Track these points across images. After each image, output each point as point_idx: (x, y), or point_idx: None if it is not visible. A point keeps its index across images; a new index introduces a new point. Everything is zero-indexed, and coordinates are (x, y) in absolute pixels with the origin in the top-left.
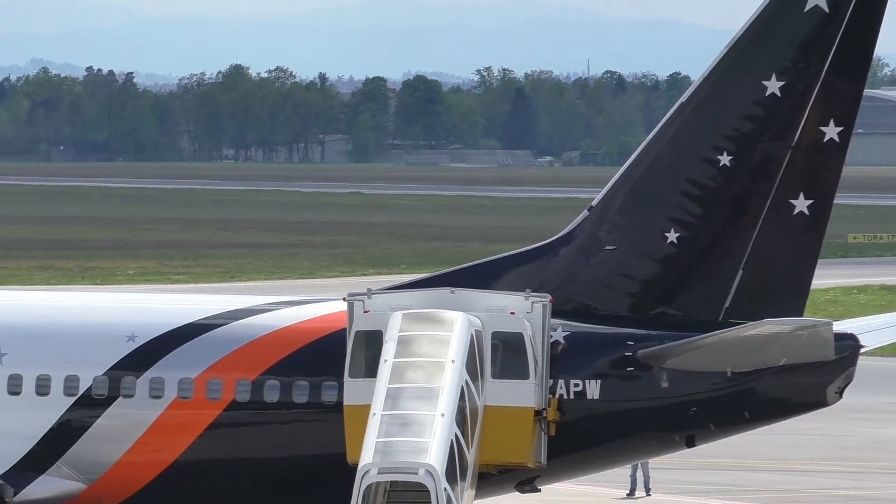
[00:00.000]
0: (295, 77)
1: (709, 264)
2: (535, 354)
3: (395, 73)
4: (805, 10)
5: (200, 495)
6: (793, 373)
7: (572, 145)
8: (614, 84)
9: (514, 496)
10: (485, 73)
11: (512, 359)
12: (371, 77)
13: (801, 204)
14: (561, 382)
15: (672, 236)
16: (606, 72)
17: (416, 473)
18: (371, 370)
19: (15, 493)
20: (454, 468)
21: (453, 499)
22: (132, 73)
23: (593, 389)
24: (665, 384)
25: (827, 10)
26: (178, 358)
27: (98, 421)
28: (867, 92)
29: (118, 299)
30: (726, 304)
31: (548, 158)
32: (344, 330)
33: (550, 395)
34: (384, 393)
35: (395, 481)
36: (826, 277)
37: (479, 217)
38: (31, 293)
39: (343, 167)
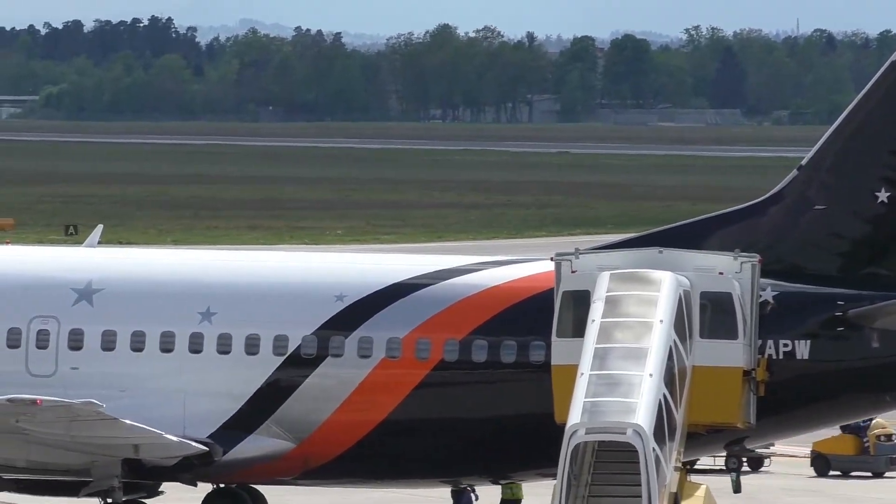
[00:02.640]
0: (503, 36)
1: None
2: (744, 314)
3: (603, 33)
4: None
5: (408, 455)
6: None
7: (781, 104)
8: (824, 42)
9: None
10: (693, 32)
11: (720, 319)
12: (579, 36)
13: None
14: (770, 342)
15: (883, 195)
16: (816, 30)
17: (625, 433)
18: (579, 330)
19: (224, 453)
20: (662, 428)
21: (661, 459)
22: (340, 33)
23: (803, 349)
24: (876, 344)
25: None
26: (387, 317)
27: (307, 380)
28: None
29: (327, 259)
30: None
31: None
32: (551, 290)
33: (759, 356)
34: (592, 353)
35: (603, 441)
36: None
37: (687, 177)
38: (240, 253)
39: (550, 127)
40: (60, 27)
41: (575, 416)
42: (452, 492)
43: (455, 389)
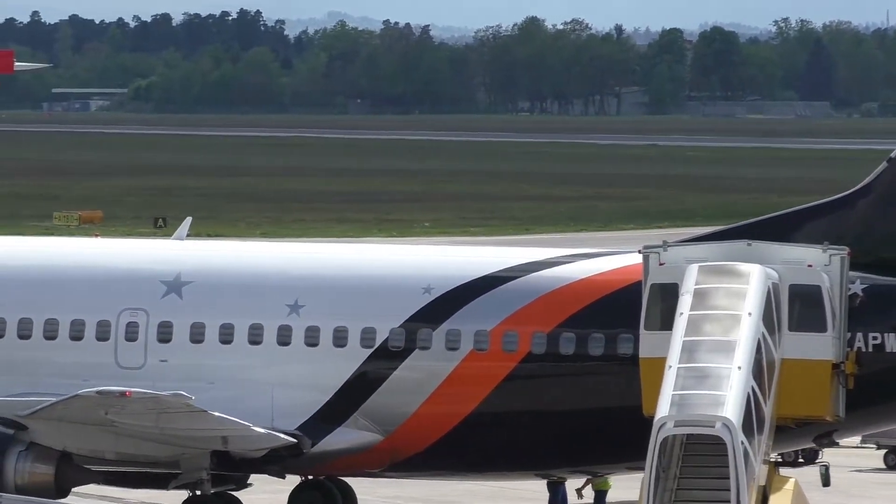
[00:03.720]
0: (591, 29)
1: None
2: (833, 307)
3: (692, 25)
4: None
5: (495, 447)
6: None
7: (870, 96)
8: None
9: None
10: (782, 25)
11: (809, 312)
12: (667, 28)
13: None
14: (859, 335)
15: None
16: None
17: (713, 427)
18: (667, 323)
19: (313, 445)
20: (751, 421)
21: (750, 452)
22: (428, 25)
23: (892, 342)
24: None
25: None
26: (474, 310)
27: (394, 373)
28: None
29: (414, 251)
30: None
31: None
32: (639, 282)
33: (848, 349)
34: (680, 346)
35: (692, 434)
36: None
37: (777, 169)
38: (328, 245)
39: (639, 119)
40: (149, 20)
41: (663, 409)
42: (548, 484)
43: (542, 382)
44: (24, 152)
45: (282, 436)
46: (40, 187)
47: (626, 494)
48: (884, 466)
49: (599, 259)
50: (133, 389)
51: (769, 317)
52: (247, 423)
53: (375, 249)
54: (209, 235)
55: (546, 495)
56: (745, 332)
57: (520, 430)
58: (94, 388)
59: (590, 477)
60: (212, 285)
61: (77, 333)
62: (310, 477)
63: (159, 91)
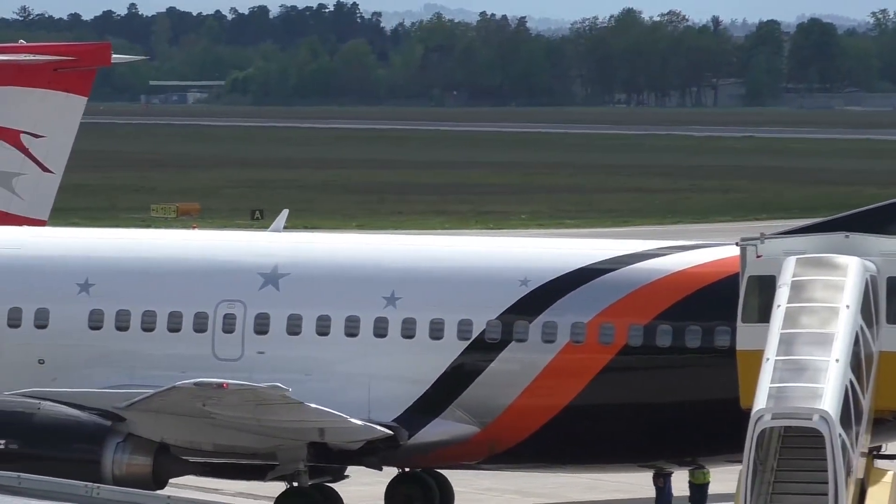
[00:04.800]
0: (687, 21)
1: None
2: None
3: (789, 17)
4: None
5: (591, 440)
6: None
7: None
8: None
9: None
10: (880, 16)
11: None
12: (764, 20)
13: None
14: None
15: None
16: None
17: (811, 419)
18: (764, 315)
19: (409, 437)
20: (849, 414)
21: (848, 445)
22: (525, 17)
23: None
24: None
25: None
26: (571, 302)
27: (491, 365)
28: None
29: (511, 244)
30: None
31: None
32: (736, 275)
33: None
34: (777, 338)
35: (789, 427)
36: None
37: (875, 161)
38: (424, 237)
39: (736, 111)
40: (246, 13)
41: (761, 402)
42: (655, 478)
43: (639, 374)
44: (122, 145)
45: (378, 428)
46: (138, 179)
47: (724, 487)
48: None
49: (696, 251)
50: (230, 381)
51: (867, 309)
52: (344, 415)
53: (472, 241)
54: (306, 227)
55: (643, 488)
56: (843, 324)
57: (616, 423)
58: (192, 380)
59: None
60: (309, 277)
61: (175, 325)
62: (406, 469)
63: (256, 83)
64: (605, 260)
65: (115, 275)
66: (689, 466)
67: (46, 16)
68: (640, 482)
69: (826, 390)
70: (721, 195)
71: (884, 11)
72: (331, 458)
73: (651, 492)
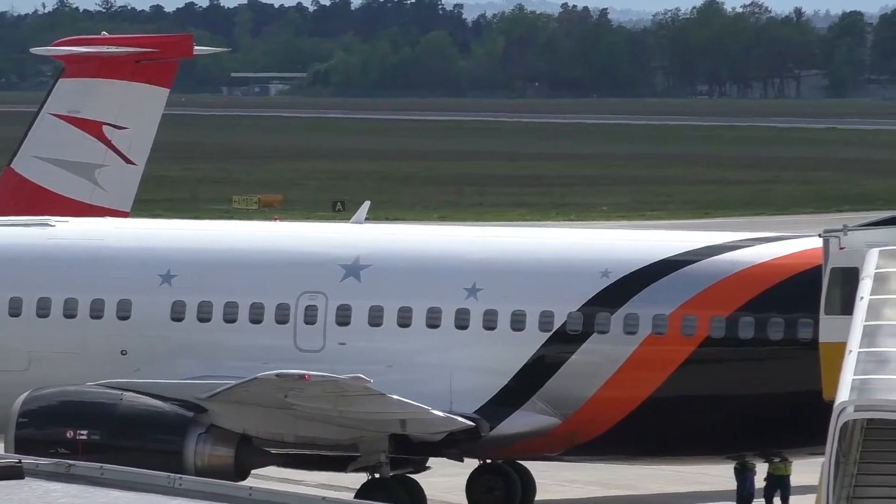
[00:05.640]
0: (770, 12)
1: None
2: None
3: (872, 7)
4: None
5: (673, 432)
6: None
7: None
8: None
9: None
10: None
11: None
12: (847, 11)
13: None
14: None
15: None
16: None
17: (895, 411)
18: (847, 307)
19: (491, 428)
20: None
21: None
22: (606, 9)
23: None
24: None
25: None
26: (653, 294)
27: (572, 357)
28: None
29: (592, 235)
30: None
31: None
32: (819, 266)
33: None
34: (861, 330)
35: (872, 419)
36: None
37: None
38: (505, 228)
39: (818, 102)
40: (328, 4)
41: (843, 394)
42: (736, 471)
43: (721, 366)
44: (204, 136)
45: (460, 419)
46: (220, 171)
47: (806, 479)
48: None
49: (778, 243)
50: (312, 372)
51: None
52: (425, 407)
53: (553, 233)
54: (387, 219)
55: (725, 480)
56: None
57: (697, 415)
58: (273, 371)
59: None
60: (390, 269)
61: (256, 316)
62: (488, 460)
63: (338, 75)
64: (687, 251)
65: (197, 266)
66: (772, 458)
67: (129, 7)
68: (722, 474)
69: None
70: (803, 186)
71: None
72: (412, 450)
73: (733, 484)
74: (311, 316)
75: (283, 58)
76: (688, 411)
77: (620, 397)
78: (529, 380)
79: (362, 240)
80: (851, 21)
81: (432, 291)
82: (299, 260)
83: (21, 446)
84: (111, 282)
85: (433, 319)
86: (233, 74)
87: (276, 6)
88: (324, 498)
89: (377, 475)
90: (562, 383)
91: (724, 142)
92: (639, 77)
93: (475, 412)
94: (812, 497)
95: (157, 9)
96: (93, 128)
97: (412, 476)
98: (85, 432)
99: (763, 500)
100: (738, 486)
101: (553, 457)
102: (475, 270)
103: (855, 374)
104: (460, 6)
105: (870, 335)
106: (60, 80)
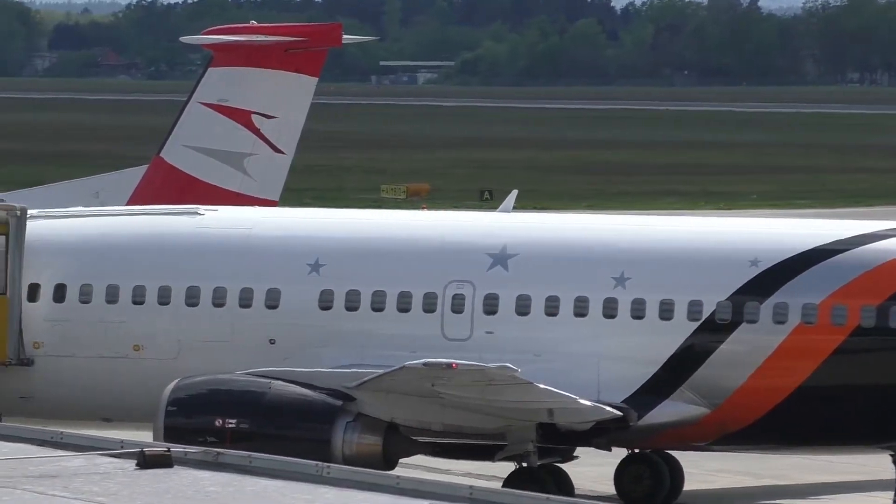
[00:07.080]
0: None
1: None
2: None
3: None
4: None
5: (823, 422)
6: None
7: None
8: None
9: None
10: None
11: None
12: None
13: None
14: None
15: None
16: None
17: None
18: None
19: (639, 418)
20: None
21: None
22: None
23: None
24: None
25: None
26: (802, 283)
27: (721, 346)
28: None
29: (741, 224)
30: None
31: None
32: None
33: None
34: None
35: None
36: None
37: None
38: (653, 217)
39: None
40: None
41: None
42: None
43: (873, 356)
44: (352, 125)
45: (608, 409)
46: (368, 160)
47: None
48: None
49: None
50: (459, 361)
51: None
52: (573, 396)
53: (701, 221)
54: (535, 208)
55: (879, 469)
56: None
57: (848, 405)
58: (421, 360)
59: None
60: (537, 258)
61: (404, 305)
62: (636, 450)
63: (485, 64)
64: (837, 240)
65: (345, 255)
66: None
67: None
68: (875, 464)
69: None
70: None
71: None
72: (560, 439)
73: (886, 474)
74: (458, 305)
75: (432, 46)
76: (838, 401)
77: (770, 387)
78: (678, 369)
79: (509, 229)
80: None
81: (580, 280)
82: (447, 249)
83: (170, 434)
84: (260, 271)
85: (581, 308)
86: (381, 63)
87: None
88: (471, 487)
89: (525, 464)
90: (710, 373)
91: (876, 130)
92: (788, 65)
93: (623, 402)
94: None
95: None
96: (242, 117)
97: (560, 465)
98: (234, 421)
99: None
100: None
101: (702, 447)
102: (623, 259)
103: None
104: None
105: None
106: (209, 69)
